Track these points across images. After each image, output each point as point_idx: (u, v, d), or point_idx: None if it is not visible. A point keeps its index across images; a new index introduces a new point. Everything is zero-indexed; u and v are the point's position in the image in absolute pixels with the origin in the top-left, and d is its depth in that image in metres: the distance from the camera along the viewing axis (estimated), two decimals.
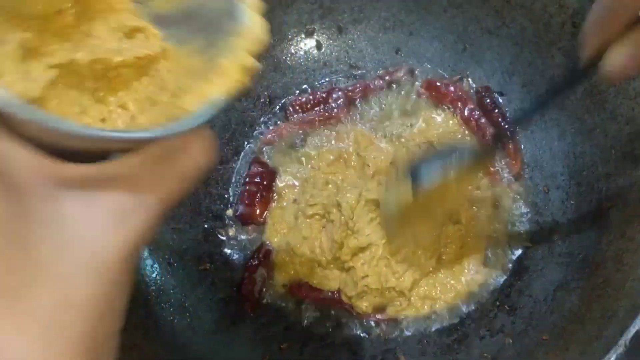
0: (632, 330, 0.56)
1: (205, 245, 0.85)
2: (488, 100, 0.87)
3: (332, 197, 0.82)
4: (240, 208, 0.87)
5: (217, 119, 0.90)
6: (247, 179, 0.88)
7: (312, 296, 0.81)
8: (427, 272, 0.80)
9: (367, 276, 0.79)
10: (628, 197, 0.71)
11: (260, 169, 0.88)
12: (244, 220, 0.87)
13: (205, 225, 0.86)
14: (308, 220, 0.83)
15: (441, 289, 0.79)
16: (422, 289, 0.79)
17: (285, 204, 0.87)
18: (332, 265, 0.81)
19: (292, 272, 0.83)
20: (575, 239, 0.76)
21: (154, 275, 0.79)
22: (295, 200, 0.86)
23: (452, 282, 0.80)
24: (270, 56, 0.93)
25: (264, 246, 0.84)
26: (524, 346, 0.71)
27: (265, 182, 0.88)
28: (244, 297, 0.82)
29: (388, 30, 0.93)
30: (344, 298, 0.80)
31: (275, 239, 0.85)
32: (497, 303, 0.78)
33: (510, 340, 0.73)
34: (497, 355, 0.73)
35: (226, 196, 0.89)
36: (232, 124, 0.91)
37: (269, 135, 0.91)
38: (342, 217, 0.80)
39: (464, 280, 0.80)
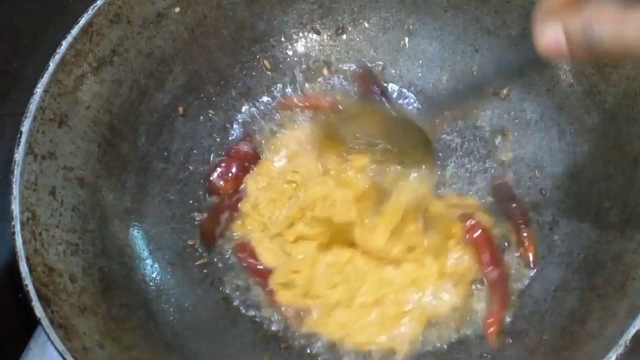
0: (632, 331, 0.56)
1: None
2: None
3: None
4: (214, 176, 0.87)
5: (217, 119, 0.90)
6: (231, 152, 0.89)
7: (249, 263, 0.82)
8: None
9: (298, 272, 0.79)
10: (628, 197, 0.71)
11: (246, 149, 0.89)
12: (211, 190, 0.87)
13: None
14: (285, 185, 0.84)
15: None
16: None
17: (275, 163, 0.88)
18: (275, 240, 0.82)
19: (249, 228, 0.84)
20: (575, 239, 0.76)
21: (153, 275, 0.79)
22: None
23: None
24: (270, 56, 0.93)
25: (241, 192, 0.86)
26: (524, 346, 0.72)
27: (246, 164, 0.88)
28: (203, 233, 0.83)
29: (388, 31, 0.93)
30: (270, 282, 0.80)
31: (253, 188, 0.86)
32: None
33: (510, 340, 0.73)
34: (497, 355, 0.73)
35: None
36: (232, 123, 0.91)
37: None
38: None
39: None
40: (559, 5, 0.47)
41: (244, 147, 0.89)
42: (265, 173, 0.88)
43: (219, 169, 0.88)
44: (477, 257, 0.79)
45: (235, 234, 0.85)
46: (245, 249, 0.84)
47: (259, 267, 0.82)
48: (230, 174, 0.87)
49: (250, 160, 0.88)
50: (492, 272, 0.77)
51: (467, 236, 0.80)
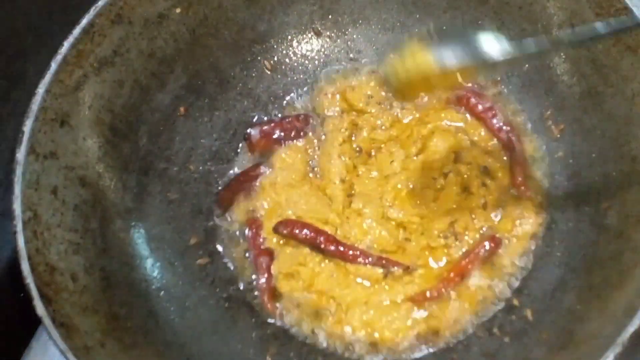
0: (630, 330, 0.57)
1: (206, 244, 0.85)
2: None
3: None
4: (255, 130, 0.90)
5: (218, 119, 0.91)
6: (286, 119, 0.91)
7: (254, 238, 0.84)
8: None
9: (304, 265, 0.82)
10: (626, 197, 0.71)
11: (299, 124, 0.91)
12: (246, 141, 0.90)
13: (207, 224, 0.86)
14: (309, 173, 0.89)
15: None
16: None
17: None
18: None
19: (263, 204, 0.87)
20: (573, 239, 0.76)
21: (154, 275, 0.80)
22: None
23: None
24: (270, 56, 0.93)
25: (259, 170, 0.88)
26: (523, 345, 0.72)
27: (290, 135, 0.90)
28: (220, 198, 0.87)
29: (388, 31, 0.94)
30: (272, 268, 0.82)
31: (278, 161, 0.88)
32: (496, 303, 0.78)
33: (509, 340, 0.74)
34: (496, 354, 0.73)
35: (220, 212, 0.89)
36: (232, 123, 0.92)
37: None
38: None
39: None
40: None
41: (298, 121, 0.90)
42: (297, 152, 0.89)
43: (264, 127, 0.89)
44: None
45: (250, 208, 0.87)
46: (254, 223, 0.85)
47: (262, 245, 0.84)
48: (270, 135, 0.89)
49: (295, 136, 0.89)
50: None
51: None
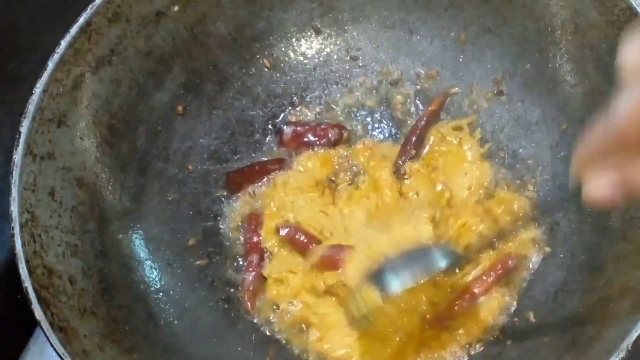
0: (634, 335, 0.56)
1: (205, 245, 0.84)
2: None
3: None
4: (289, 128, 0.89)
5: (216, 118, 0.90)
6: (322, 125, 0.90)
7: (251, 233, 0.84)
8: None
9: (294, 272, 0.80)
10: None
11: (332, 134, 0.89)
12: (277, 134, 0.90)
13: (205, 225, 0.85)
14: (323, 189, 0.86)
15: None
16: None
17: None
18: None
19: (269, 201, 0.85)
20: (576, 241, 0.76)
21: (153, 276, 0.79)
22: None
23: None
24: (269, 55, 0.92)
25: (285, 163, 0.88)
26: (525, 348, 0.72)
27: (319, 142, 0.89)
28: (228, 179, 0.87)
29: (388, 29, 0.93)
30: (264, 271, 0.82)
31: (301, 164, 0.87)
32: None
33: (511, 342, 0.73)
34: (498, 357, 0.73)
35: (226, 193, 0.89)
36: (231, 122, 0.91)
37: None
38: None
39: None
40: (608, 151, 0.42)
41: (333, 131, 0.89)
42: (321, 161, 0.88)
43: (299, 127, 0.89)
44: None
45: (256, 203, 0.86)
46: (254, 219, 0.85)
47: (257, 242, 0.83)
48: (301, 138, 0.88)
49: (325, 143, 0.88)
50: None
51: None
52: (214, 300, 0.81)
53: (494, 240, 0.75)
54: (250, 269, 0.82)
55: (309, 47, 0.94)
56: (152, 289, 0.78)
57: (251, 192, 0.87)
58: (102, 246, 0.75)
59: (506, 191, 0.84)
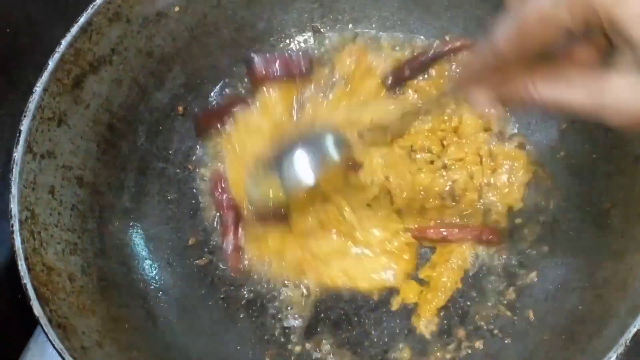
0: (632, 330, 0.56)
1: (205, 244, 0.84)
2: None
3: None
4: (258, 60, 0.86)
5: None
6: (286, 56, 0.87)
7: (218, 193, 0.83)
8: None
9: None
10: (628, 196, 0.71)
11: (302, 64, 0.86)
12: (247, 67, 0.87)
13: (205, 224, 0.85)
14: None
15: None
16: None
17: None
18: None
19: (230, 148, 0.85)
20: (575, 239, 0.76)
21: (153, 275, 0.79)
22: None
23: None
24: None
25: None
26: (525, 346, 0.71)
27: (291, 72, 0.86)
28: (198, 121, 0.86)
29: (388, 30, 0.93)
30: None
31: (265, 98, 0.85)
32: (498, 302, 0.77)
33: (511, 340, 0.73)
34: (498, 355, 0.73)
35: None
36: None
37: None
38: None
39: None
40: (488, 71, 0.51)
41: (301, 61, 0.86)
42: (286, 98, 0.85)
43: (268, 58, 0.85)
44: None
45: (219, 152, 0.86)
46: (217, 178, 0.84)
47: (228, 199, 0.82)
48: (271, 70, 0.85)
49: (295, 75, 0.85)
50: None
51: None
52: (214, 299, 0.81)
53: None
54: (228, 231, 0.81)
55: (309, 47, 0.94)
56: (152, 287, 0.78)
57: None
58: (102, 245, 0.75)
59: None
